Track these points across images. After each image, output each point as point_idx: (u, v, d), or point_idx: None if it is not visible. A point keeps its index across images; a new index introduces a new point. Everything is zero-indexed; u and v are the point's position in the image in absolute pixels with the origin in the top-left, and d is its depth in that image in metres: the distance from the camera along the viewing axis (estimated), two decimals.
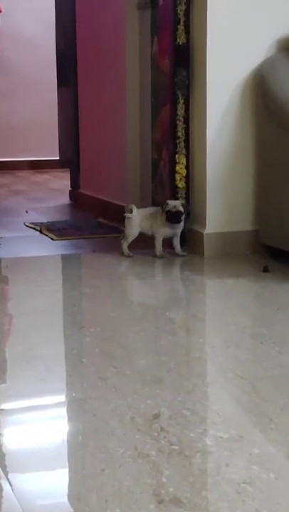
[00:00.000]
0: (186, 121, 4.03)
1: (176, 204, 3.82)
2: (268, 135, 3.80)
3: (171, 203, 3.83)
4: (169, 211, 3.79)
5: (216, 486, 1.60)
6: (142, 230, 3.93)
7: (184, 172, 4.05)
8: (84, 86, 5.88)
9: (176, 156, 4.04)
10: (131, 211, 3.91)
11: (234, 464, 1.68)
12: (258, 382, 2.19)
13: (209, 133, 3.90)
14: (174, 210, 3.79)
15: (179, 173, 4.04)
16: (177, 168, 4.04)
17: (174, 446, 1.76)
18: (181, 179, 4.05)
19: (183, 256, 3.89)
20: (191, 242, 4.03)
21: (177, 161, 4.04)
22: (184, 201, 3.93)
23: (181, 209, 3.81)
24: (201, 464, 1.68)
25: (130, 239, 3.92)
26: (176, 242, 3.92)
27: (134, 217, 3.91)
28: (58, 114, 6.69)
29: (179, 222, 3.83)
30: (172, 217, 3.80)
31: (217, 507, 1.51)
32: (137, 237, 3.94)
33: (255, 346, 2.58)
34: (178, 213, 3.80)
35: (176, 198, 3.99)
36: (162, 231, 3.87)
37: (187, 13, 3.94)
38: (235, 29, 3.89)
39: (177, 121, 4.02)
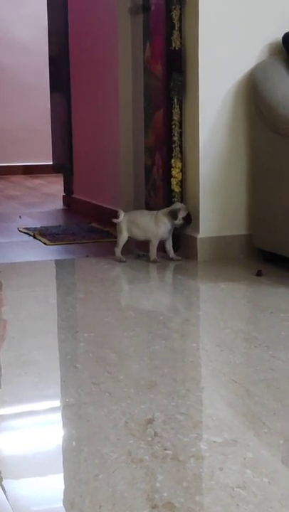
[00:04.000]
0: (180, 125, 4.04)
1: (185, 206, 3.93)
2: (260, 140, 3.81)
3: (180, 205, 3.93)
4: (185, 214, 3.88)
5: (209, 490, 1.60)
6: (130, 234, 3.95)
7: (180, 176, 4.05)
8: (77, 91, 5.88)
9: (172, 160, 4.05)
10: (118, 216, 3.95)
11: (228, 469, 1.68)
12: (251, 386, 2.19)
13: (202, 137, 3.91)
14: (186, 211, 3.88)
15: (176, 177, 4.05)
16: (173, 172, 4.05)
17: (167, 451, 1.77)
18: (177, 183, 4.06)
19: (178, 260, 3.92)
20: (185, 246, 4.04)
21: (173, 165, 4.05)
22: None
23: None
24: (195, 468, 1.68)
25: (120, 243, 3.95)
26: (169, 246, 3.95)
27: (120, 222, 3.93)
28: (51, 119, 6.70)
29: (190, 223, 3.92)
30: (190, 219, 3.89)
31: (211, 511, 1.51)
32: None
33: (248, 350, 2.58)
34: (190, 215, 3.90)
35: (171, 203, 4.00)
36: (160, 235, 3.88)
37: (180, 18, 3.95)
38: (227, 34, 3.90)
39: (173, 126, 4.03)
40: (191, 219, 3.89)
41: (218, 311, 3.11)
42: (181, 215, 3.86)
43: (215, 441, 1.82)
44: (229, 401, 2.13)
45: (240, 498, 1.55)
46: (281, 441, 1.83)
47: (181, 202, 4.04)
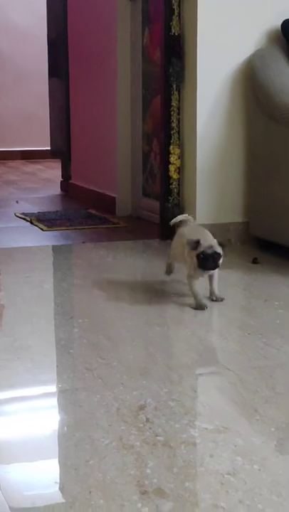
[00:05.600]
0: (179, 112, 4.03)
1: (211, 243, 2.81)
2: (257, 127, 3.79)
3: (205, 241, 2.81)
4: (202, 254, 2.79)
5: (199, 477, 1.60)
6: (174, 259, 3.19)
7: (178, 163, 4.04)
8: (75, 77, 5.86)
9: (171, 147, 4.03)
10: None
11: (218, 455, 1.69)
12: (244, 374, 2.19)
13: (200, 124, 3.90)
14: (209, 251, 2.79)
15: (174, 163, 4.04)
16: (172, 159, 4.04)
17: (158, 438, 1.77)
18: (175, 170, 4.04)
19: (221, 300, 2.97)
20: None
21: (171, 151, 4.03)
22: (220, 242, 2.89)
23: (219, 249, 2.81)
24: (186, 455, 1.69)
25: (168, 261, 3.27)
26: (214, 283, 2.97)
27: (175, 236, 3.17)
28: (50, 105, 6.67)
29: (214, 267, 2.85)
30: (205, 262, 2.80)
31: (200, 498, 1.52)
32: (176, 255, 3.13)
33: (242, 338, 2.58)
34: (214, 256, 2.80)
35: (169, 190, 3.97)
36: (193, 274, 2.89)
37: (179, 4, 3.93)
38: (225, 20, 3.88)
39: (171, 112, 4.01)
40: (211, 262, 2.81)
41: None
42: (202, 248, 2.80)
43: (206, 428, 1.83)
44: (221, 388, 2.14)
45: (229, 484, 1.56)
46: (272, 429, 1.83)
47: (178, 189, 4.02)
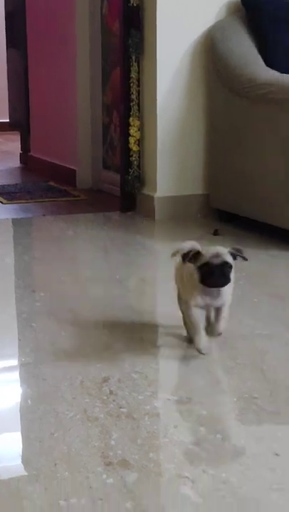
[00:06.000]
0: (139, 84, 4.00)
1: (218, 251, 1.99)
2: (218, 99, 3.79)
3: (209, 250, 2.00)
4: (205, 264, 1.97)
5: (163, 447, 1.62)
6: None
7: (138, 135, 4.03)
8: (33, 48, 5.79)
9: (130, 119, 4.01)
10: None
11: (182, 426, 1.71)
12: (207, 345, 2.21)
13: (159, 96, 3.89)
14: (216, 260, 1.98)
15: (133, 136, 4.02)
16: (131, 131, 4.02)
17: (122, 409, 1.78)
18: (135, 142, 4.03)
19: (218, 335, 2.11)
20: (142, 205, 4.04)
21: (131, 123, 4.02)
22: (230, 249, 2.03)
23: (229, 258, 1.99)
24: (149, 426, 1.70)
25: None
26: (218, 315, 2.09)
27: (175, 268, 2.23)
28: (8, 76, 6.59)
29: (224, 283, 2.00)
30: (211, 276, 1.98)
31: (165, 468, 1.53)
32: None
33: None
34: (223, 268, 1.98)
35: (129, 162, 3.97)
36: (192, 299, 2.06)
37: None
38: None
39: (131, 84, 3.99)
40: (218, 276, 1.98)
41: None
42: (201, 261, 1.98)
43: (170, 399, 1.84)
44: (184, 359, 2.15)
45: (193, 455, 1.58)
46: (234, 399, 1.86)
47: (139, 161, 4.02)
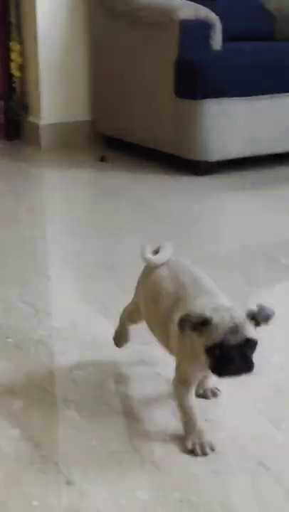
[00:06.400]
0: (18, 6, 3.87)
1: (236, 321, 1.32)
2: (101, 22, 3.71)
3: (222, 316, 1.32)
4: (219, 346, 1.31)
5: (49, 374, 1.64)
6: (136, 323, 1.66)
7: (19, 60, 3.91)
8: None
9: (10, 43, 3.89)
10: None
11: (68, 352, 1.72)
12: (94, 272, 2.22)
13: (40, 18, 3.76)
14: (233, 339, 1.31)
15: (15, 61, 3.91)
16: (12, 56, 3.90)
17: (9, 339, 1.78)
18: (17, 68, 3.92)
19: (214, 396, 1.56)
20: (27, 133, 3.96)
21: (11, 48, 3.89)
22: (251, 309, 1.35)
23: (251, 330, 1.33)
24: (35, 354, 1.71)
25: (120, 328, 1.71)
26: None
27: (145, 285, 1.57)
28: None
29: (247, 370, 1.33)
30: (228, 363, 1.32)
31: (50, 394, 1.55)
32: None
33: (91, 237, 2.60)
34: (243, 350, 1.32)
35: (12, 89, 3.85)
36: (189, 378, 1.42)
37: None
38: None
39: (9, 6, 3.85)
40: (239, 361, 1.32)
41: (63, 198, 3.10)
42: (212, 339, 1.31)
43: (56, 327, 1.85)
44: (71, 287, 2.17)
45: (78, 379, 1.60)
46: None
47: (22, 87, 3.92)
